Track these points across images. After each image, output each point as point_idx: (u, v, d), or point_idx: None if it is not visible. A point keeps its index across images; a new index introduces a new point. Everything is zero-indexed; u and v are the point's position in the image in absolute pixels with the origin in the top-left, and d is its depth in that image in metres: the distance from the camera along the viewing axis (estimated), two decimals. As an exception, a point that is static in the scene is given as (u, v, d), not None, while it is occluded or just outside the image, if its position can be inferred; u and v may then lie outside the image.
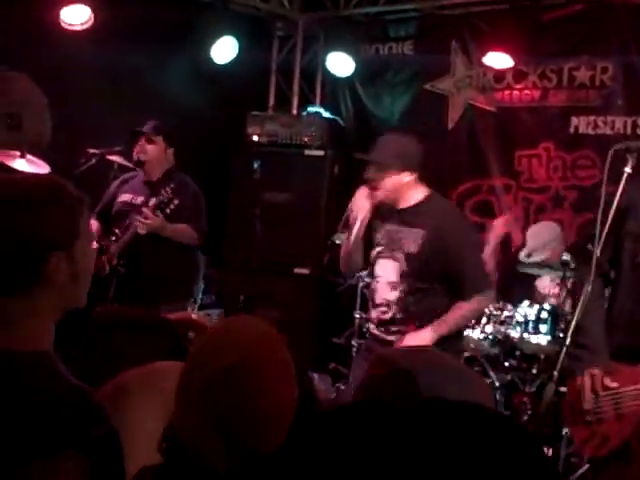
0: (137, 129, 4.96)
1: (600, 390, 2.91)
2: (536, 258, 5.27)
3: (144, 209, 4.64)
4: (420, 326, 3.63)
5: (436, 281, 3.67)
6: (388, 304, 3.75)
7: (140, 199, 4.85)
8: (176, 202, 4.64)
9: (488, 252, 5.44)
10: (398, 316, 3.73)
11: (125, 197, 4.96)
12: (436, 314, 3.65)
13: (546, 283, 5.34)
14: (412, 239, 3.71)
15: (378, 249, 3.87)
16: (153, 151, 4.91)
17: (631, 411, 2.88)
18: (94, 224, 4.93)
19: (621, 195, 2.85)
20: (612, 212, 2.85)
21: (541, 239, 5.35)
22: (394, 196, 3.81)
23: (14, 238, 1.51)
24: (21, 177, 1.67)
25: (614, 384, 2.92)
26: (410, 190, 3.83)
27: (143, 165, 4.94)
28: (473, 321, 5.02)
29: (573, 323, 2.77)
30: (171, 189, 4.64)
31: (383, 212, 3.90)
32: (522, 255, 5.40)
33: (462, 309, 3.67)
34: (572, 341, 2.75)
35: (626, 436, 2.87)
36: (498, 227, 5.65)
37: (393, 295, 3.74)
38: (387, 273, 3.78)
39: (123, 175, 5.15)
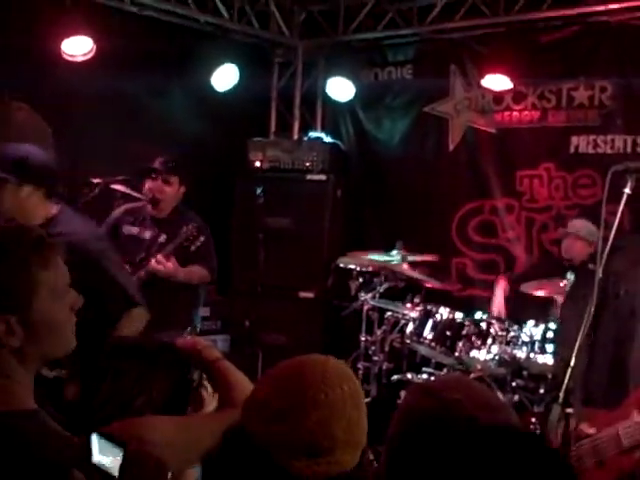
0: (152, 167, 4.94)
1: (577, 438, 2.89)
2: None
3: (158, 256, 4.57)
4: None
5: None
6: None
7: (148, 234, 4.83)
8: (202, 239, 4.66)
9: (498, 305, 5.46)
10: None
11: (132, 230, 4.91)
12: None
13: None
14: None
15: None
16: (169, 192, 4.90)
17: (610, 457, 2.86)
18: None
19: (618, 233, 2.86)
20: (613, 232, 2.86)
21: (578, 225, 5.33)
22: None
23: None
24: None
25: (591, 430, 2.90)
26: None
27: (158, 204, 4.91)
28: (479, 342, 5.03)
29: (577, 344, 2.77)
30: (194, 228, 4.64)
31: None
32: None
33: None
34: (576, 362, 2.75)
35: None
36: (502, 283, 5.62)
37: None
38: None
39: (126, 204, 5.12)
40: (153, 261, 4.55)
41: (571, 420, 2.88)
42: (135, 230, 4.90)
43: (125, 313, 3.31)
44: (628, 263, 3.02)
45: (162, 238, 4.70)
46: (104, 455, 1.45)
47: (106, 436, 1.47)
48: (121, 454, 1.44)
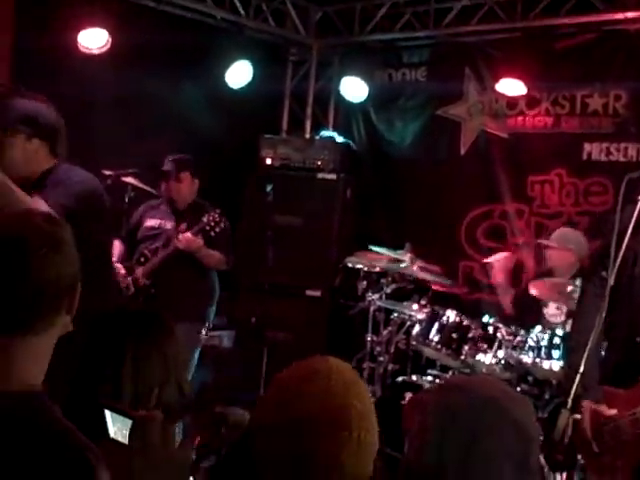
0: (163, 170, 5.18)
1: (600, 421, 2.90)
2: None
3: (187, 233, 4.89)
4: None
5: None
6: None
7: (170, 224, 5.10)
8: (222, 226, 4.93)
9: (500, 285, 5.45)
10: None
11: (153, 222, 5.17)
12: None
13: (552, 311, 5.33)
14: None
15: None
16: (183, 189, 5.18)
17: (633, 438, 2.86)
18: (118, 246, 5.06)
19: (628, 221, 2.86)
20: (627, 239, 2.86)
21: (564, 236, 5.31)
22: None
23: (50, 275, 1.51)
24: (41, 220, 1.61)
25: (612, 411, 2.91)
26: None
27: (175, 202, 5.18)
28: (485, 346, 5.03)
29: (586, 350, 2.77)
30: (218, 214, 4.92)
31: None
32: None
33: None
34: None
35: (633, 464, 2.85)
36: (502, 262, 5.62)
37: None
38: None
39: (149, 202, 5.34)
40: (181, 236, 4.87)
41: (584, 415, 2.89)
42: (156, 222, 5.16)
43: None
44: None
45: (183, 226, 4.97)
46: (117, 428, 1.51)
47: (116, 410, 1.52)
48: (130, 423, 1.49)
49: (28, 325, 1.51)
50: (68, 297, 1.56)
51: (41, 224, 1.56)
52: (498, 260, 5.62)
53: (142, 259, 5.02)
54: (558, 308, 5.26)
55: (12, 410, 1.46)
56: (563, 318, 5.19)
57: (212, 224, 4.89)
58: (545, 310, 5.35)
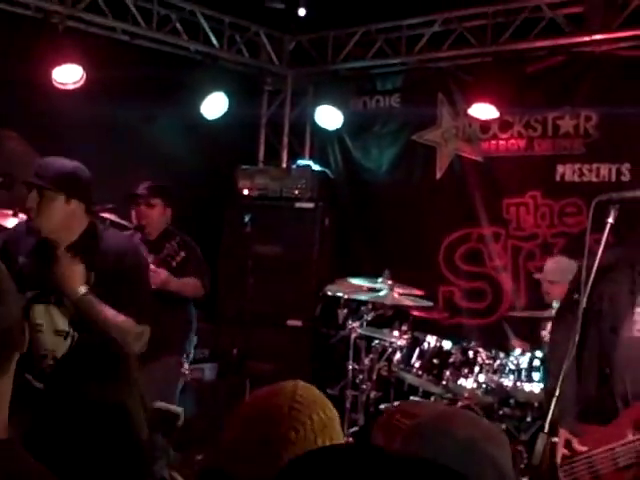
0: (134, 193, 5.03)
1: (571, 453, 2.92)
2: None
3: (151, 266, 4.56)
4: None
5: None
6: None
7: None
8: (182, 255, 4.70)
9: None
10: None
11: None
12: None
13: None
14: None
15: None
16: (153, 215, 5.00)
17: (607, 473, 2.88)
18: None
19: (603, 252, 2.89)
20: (597, 261, 2.88)
21: (561, 268, 5.12)
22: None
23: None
24: None
25: (584, 448, 2.92)
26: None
27: (144, 229, 4.99)
28: (466, 370, 5.04)
29: (562, 374, 2.79)
30: (177, 243, 4.71)
31: None
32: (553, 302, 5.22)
33: None
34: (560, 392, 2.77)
35: None
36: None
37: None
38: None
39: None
40: None
41: (559, 441, 2.90)
42: None
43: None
44: (608, 280, 3.04)
45: (150, 259, 4.68)
46: None
47: None
48: None
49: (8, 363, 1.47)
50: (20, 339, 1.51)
51: None
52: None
53: None
54: None
55: None
56: None
57: (172, 254, 4.69)
58: (543, 333, 5.32)
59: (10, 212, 5.21)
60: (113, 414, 1.81)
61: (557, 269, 5.21)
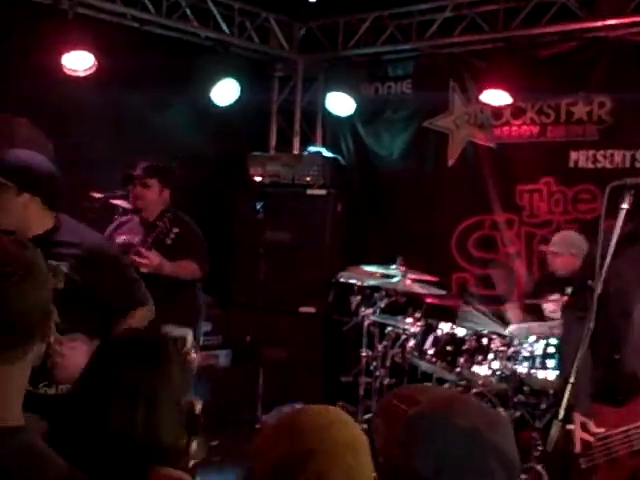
0: (129, 173, 4.91)
1: (589, 437, 2.91)
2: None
3: (140, 249, 4.51)
4: None
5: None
6: None
7: (137, 239, 4.78)
8: (175, 231, 4.54)
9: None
10: None
11: (122, 239, 4.87)
12: None
13: (552, 307, 5.31)
14: None
15: None
16: (149, 195, 4.86)
17: (623, 455, 2.87)
18: None
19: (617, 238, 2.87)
20: (611, 248, 2.86)
21: (566, 240, 5.28)
22: None
23: (23, 304, 1.42)
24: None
25: (600, 429, 2.91)
26: None
27: (141, 211, 4.89)
28: (480, 357, 5.03)
29: (576, 360, 2.78)
30: (168, 219, 4.56)
31: None
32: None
33: None
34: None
35: None
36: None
37: None
38: None
39: (120, 218, 5.12)
40: (137, 257, 4.44)
41: (576, 426, 2.90)
42: (124, 237, 4.86)
43: (130, 312, 3.30)
44: (620, 262, 3.01)
45: (150, 239, 4.60)
46: None
47: None
48: None
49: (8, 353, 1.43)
50: (42, 324, 1.48)
51: (9, 248, 1.46)
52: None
53: None
54: (556, 302, 5.22)
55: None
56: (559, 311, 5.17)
57: (164, 231, 4.52)
58: (544, 306, 5.34)
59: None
60: (142, 401, 1.79)
61: (561, 241, 5.28)
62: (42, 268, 1.50)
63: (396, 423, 1.81)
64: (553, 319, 5.16)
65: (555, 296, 5.15)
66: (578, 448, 2.91)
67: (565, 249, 5.18)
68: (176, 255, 4.62)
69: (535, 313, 5.36)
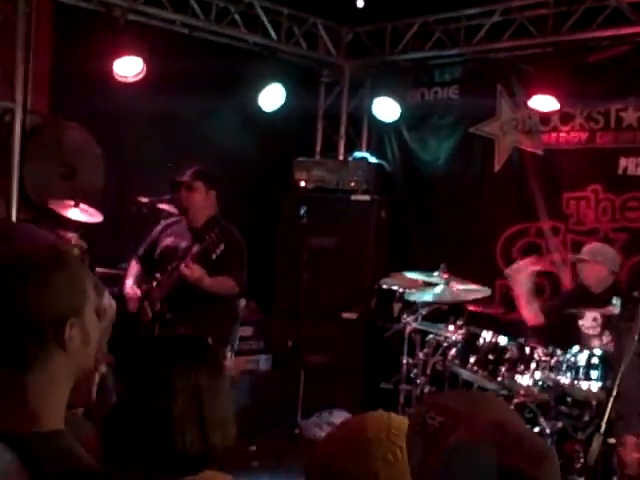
0: (176, 179, 4.98)
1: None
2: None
3: (187, 258, 4.62)
4: None
5: None
6: None
7: (184, 244, 4.84)
8: (222, 247, 4.56)
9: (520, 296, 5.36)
10: None
11: (168, 241, 4.93)
12: None
13: (589, 323, 5.23)
14: None
15: None
16: (194, 198, 4.90)
17: None
18: (135, 267, 5.01)
19: None
20: None
21: (594, 249, 5.24)
22: None
23: (30, 307, 1.36)
24: (22, 244, 1.53)
25: None
26: None
27: (187, 213, 4.95)
28: (522, 367, 4.97)
29: (619, 375, 2.73)
30: (216, 235, 4.58)
31: None
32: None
33: None
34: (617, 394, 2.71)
35: None
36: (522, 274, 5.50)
37: None
38: None
39: (167, 220, 5.18)
40: (182, 265, 4.59)
41: (626, 447, 2.85)
42: (172, 241, 4.92)
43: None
44: None
45: (196, 247, 4.67)
46: None
47: None
48: None
49: (33, 357, 1.37)
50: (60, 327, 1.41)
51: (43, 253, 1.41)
52: (517, 271, 5.52)
53: (155, 283, 4.80)
54: (594, 320, 5.16)
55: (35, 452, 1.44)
56: (598, 330, 5.10)
57: (211, 246, 4.54)
58: (581, 322, 5.26)
59: (71, 202, 5.33)
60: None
61: (590, 249, 5.22)
62: (72, 275, 1.49)
63: (432, 442, 1.74)
64: (588, 337, 5.09)
65: (593, 312, 5.07)
66: (636, 471, 2.85)
67: (591, 256, 5.12)
68: (218, 271, 4.69)
69: (569, 328, 5.24)
